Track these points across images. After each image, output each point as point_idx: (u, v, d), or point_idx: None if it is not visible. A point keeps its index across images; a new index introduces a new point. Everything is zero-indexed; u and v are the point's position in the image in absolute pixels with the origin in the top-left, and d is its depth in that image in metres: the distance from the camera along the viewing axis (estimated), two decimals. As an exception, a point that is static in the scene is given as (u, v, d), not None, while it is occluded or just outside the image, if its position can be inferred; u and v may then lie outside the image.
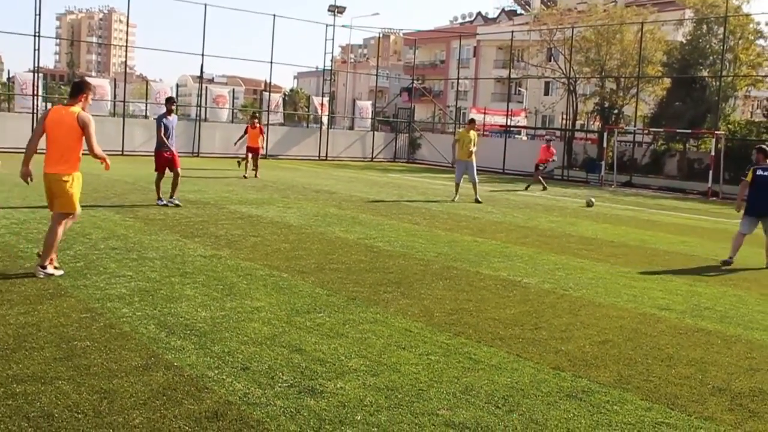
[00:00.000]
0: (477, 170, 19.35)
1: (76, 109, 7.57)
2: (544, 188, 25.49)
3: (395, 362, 5.47)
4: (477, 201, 18.69)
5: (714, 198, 27.42)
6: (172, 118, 14.37)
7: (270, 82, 38.19)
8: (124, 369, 4.96)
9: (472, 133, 19.27)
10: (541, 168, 26.28)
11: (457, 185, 19.17)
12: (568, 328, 6.75)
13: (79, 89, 7.73)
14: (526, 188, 25.30)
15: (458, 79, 47.72)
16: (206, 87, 36.99)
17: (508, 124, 40.79)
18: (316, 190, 18.93)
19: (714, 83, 33.34)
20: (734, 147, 31.71)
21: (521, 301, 7.73)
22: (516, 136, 46.93)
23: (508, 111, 40.27)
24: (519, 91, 63.20)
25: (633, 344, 6.39)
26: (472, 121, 20.28)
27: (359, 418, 4.40)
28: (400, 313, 6.92)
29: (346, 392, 4.79)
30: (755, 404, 5.11)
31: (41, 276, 7.47)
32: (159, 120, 14.28)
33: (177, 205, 13.79)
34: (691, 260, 11.51)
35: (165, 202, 13.92)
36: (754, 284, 9.78)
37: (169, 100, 14.78)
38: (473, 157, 18.94)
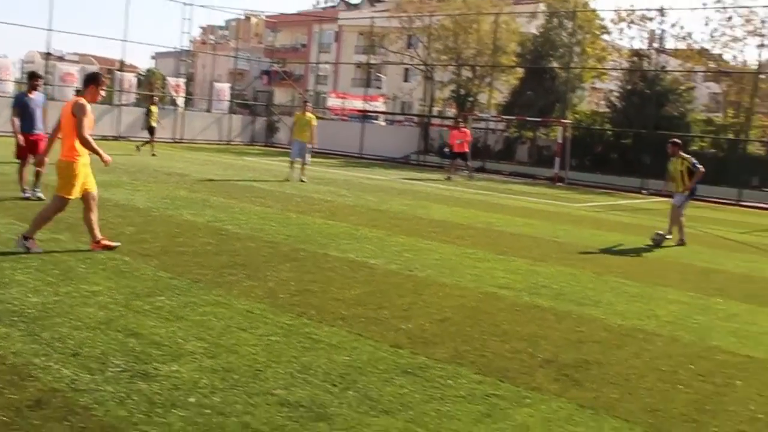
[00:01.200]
0: (312, 152, 20.32)
1: (79, 98, 8.15)
2: (449, 178, 26.01)
3: (234, 344, 5.41)
4: (302, 181, 19.17)
5: (560, 183, 28.70)
6: (36, 96, 12.45)
7: (123, 62, 36.79)
8: (-62, 358, 4.66)
9: (308, 115, 19.84)
10: (463, 158, 26.83)
11: (292, 163, 19.73)
12: (411, 308, 6.89)
13: (85, 81, 8.41)
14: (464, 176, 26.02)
15: (318, 63, 47.63)
16: (54, 64, 35.18)
17: (367, 109, 41.08)
18: (168, 173, 18.42)
19: (563, 74, 34.86)
20: (580, 135, 33.32)
21: (366, 282, 7.83)
22: (374, 121, 47.36)
23: (366, 96, 40.54)
24: (378, 77, 63.75)
25: (471, 321, 6.60)
26: (305, 102, 20.82)
27: (192, 400, 4.32)
28: (244, 294, 6.85)
29: (180, 375, 4.70)
30: (579, 374, 5.40)
31: (21, 247, 7.92)
32: (16, 100, 12.55)
33: (40, 198, 11.68)
34: (534, 242, 12.00)
35: (29, 194, 11.94)
36: (588, 263, 10.32)
37: (32, 76, 12.94)
38: (311, 138, 19.66)
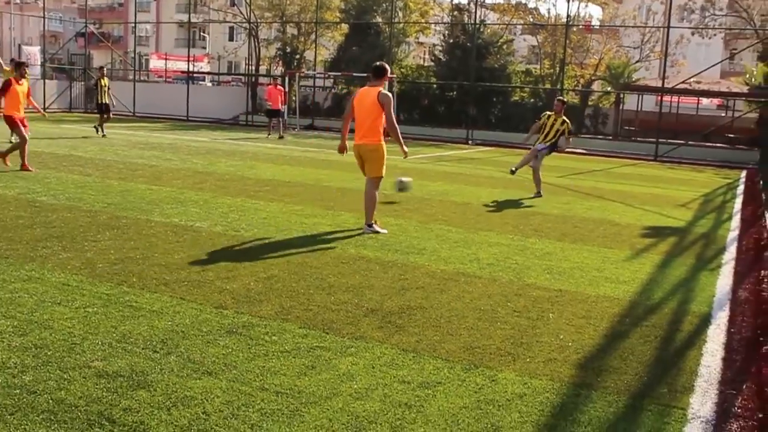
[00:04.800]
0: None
1: (380, 88, 9.02)
2: (281, 137, 25.86)
3: (48, 319, 5.15)
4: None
5: (387, 137, 29.08)
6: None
7: None
8: None
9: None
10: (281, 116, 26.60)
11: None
12: (236, 268, 6.82)
13: (381, 72, 9.10)
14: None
15: (137, 23, 45.56)
16: None
17: (191, 70, 39.88)
18: (-25, 145, 17.13)
19: (387, 29, 35.21)
20: (407, 89, 33.94)
21: (191, 246, 7.66)
22: (200, 82, 46.12)
23: (189, 57, 39.30)
24: (203, 36, 61.96)
25: (297, 277, 6.61)
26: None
27: (0, 381, 4.08)
28: (59, 267, 6.52)
29: (-14, 357, 4.42)
30: (402, 320, 5.55)
31: (369, 233, 8.83)
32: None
33: None
34: (361, 195, 12.08)
35: None
36: (415, 213, 10.59)
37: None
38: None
